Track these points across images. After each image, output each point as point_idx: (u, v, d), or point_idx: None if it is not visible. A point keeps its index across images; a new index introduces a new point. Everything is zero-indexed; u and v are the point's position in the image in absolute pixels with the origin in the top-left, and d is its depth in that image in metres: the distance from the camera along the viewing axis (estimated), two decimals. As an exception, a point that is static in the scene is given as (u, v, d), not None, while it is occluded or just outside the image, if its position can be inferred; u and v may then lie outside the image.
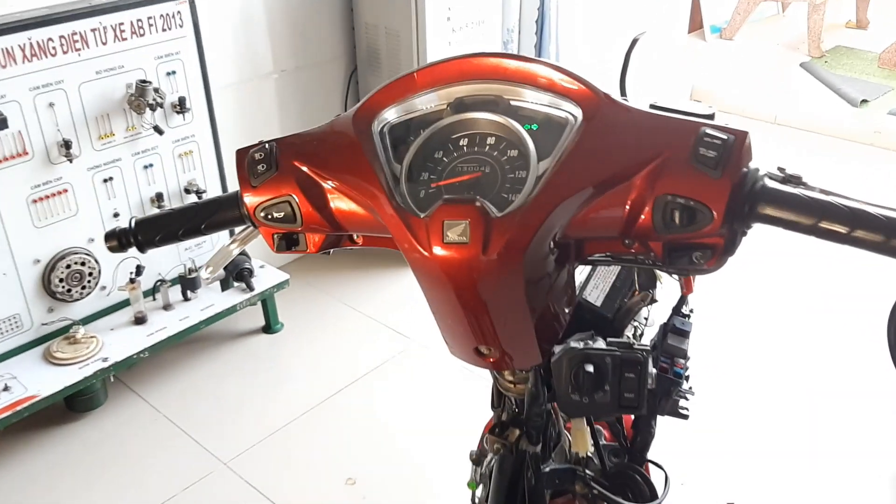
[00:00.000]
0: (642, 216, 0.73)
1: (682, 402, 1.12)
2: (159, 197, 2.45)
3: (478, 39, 3.05)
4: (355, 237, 0.89)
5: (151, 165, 2.43)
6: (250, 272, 2.61)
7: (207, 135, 2.55)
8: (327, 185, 0.82)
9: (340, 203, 0.82)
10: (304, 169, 0.82)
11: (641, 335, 1.13)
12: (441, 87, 0.83)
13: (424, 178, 0.79)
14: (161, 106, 2.34)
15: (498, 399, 1.07)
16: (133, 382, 2.54)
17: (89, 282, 2.36)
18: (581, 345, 0.92)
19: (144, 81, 2.28)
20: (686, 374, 1.11)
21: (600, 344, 0.93)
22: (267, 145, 0.85)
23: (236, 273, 2.58)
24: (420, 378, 2.55)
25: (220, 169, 2.62)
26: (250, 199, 0.84)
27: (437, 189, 0.78)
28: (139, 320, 2.43)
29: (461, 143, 0.81)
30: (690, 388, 1.12)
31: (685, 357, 1.10)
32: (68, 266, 2.30)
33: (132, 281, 2.40)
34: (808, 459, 2.23)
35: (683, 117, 0.75)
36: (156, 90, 2.31)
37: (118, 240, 0.91)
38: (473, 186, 0.78)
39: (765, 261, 2.75)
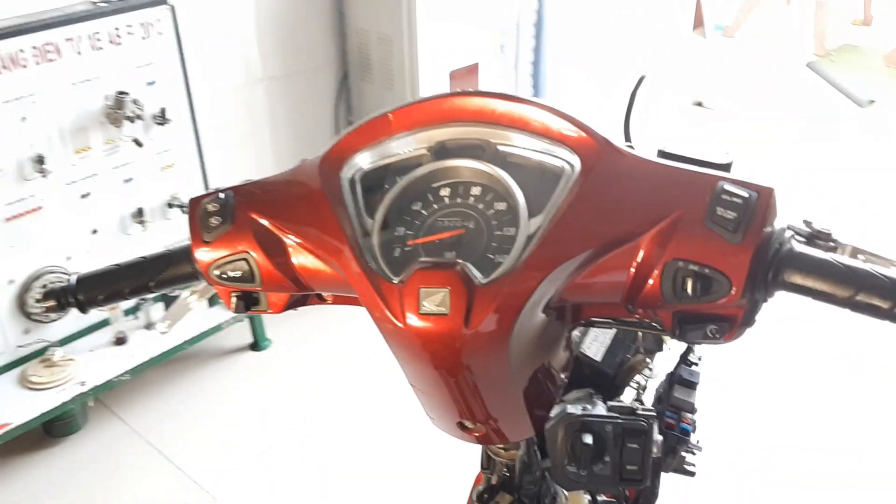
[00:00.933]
0: (649, 282, 0.64)
1: (688, 458, 1.03)
2: (140, 212, 2.35)
3: (472, 45, 2.95)
4: (324, 295, 0.79)
5: (131, 179, 2.33)
6: (236, 288, 2.50)
7: (191, 146, 2.45)
8: (288, 240, 0.72)
9: (303, 260, 0.72)
10: (263, 222, 0.73)
11: (645, 388, 1.04)
12: (420, 129, 0.74)
13: (400, 234, 0.70)
14: (140, 118, 2.24)
15: (487, 461, 0.97)
16: (114, 404, 2.44)
17: (67, 301, 2.25)
18: (579, 410, 0.83)
19: (122, 93, 2.18)
20: (693, 428, 1.02)
21: (600, 409, 0.83)
22: (222, 194, 0.75)
23: (222, 290, 2.48)
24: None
25: (205, 182, 2.51)
26: (203, 256, 0.75)
27: (413, 248, 0.69)
28: (120, 341, 2.34)
29: (442, 193, 0.72)
30: (697, 441, 1.03)
31: (692, 411, 1.01)
32: (45, 286, 2.20)
33: (111, 300, 2.30)
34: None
35: (697, 169, 0.65)
36: (134, 101, 2.21)
37: (57, 300, 0.82)
38: (455, 245, 0.68)
39: (784, 303, 2.63)
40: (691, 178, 0.65)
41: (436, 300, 0.64)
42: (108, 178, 2.27)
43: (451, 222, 0.70)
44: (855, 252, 0.66)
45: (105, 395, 2.41)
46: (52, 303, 0.82)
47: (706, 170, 0.65)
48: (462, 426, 0.75)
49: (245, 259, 0.73)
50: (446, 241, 0.69)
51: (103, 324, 2.37)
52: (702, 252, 0.62)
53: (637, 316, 0.72)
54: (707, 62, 5.10)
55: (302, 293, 0.77)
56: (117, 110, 2.18)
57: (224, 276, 0.74)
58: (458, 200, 0.71)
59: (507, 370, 0.67)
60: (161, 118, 2.31)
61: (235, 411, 2.44)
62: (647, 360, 0.97)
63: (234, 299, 0.78)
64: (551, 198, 0.67)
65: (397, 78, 2.81)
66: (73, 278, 0.82)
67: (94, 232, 2.29)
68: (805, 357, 2.65)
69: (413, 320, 0.64)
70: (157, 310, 2.44)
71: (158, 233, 2.41)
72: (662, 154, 0.73)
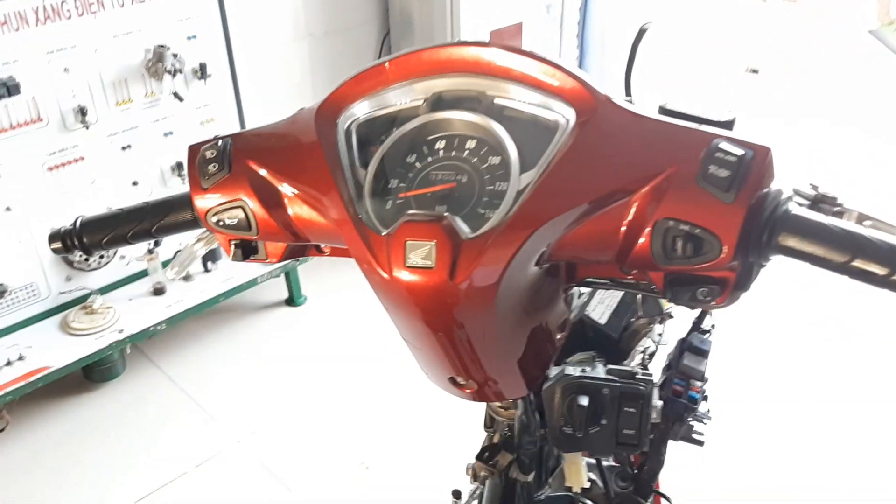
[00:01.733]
0: (640, 241, 0.62)
1: (697, 427, 1.01)
2: (179, 166, 2.38)
3: (516, 3, 2.90)
4: (322, 247, 0.79)
5: (172, 133, 2.36)
6: (272, 244, 2.53)
7: (231, 102, 2.47)
8: (283, 189, 0.72)
9: (298, 210, 0.72)
10: (259, 170, 0.73)
11: (653, 355, 1.02)
12: (417, 79, 0.72)
13: (393, 187, 0.70)
14: (181, 72, 2.26)
15: (490, 420, 0.97)
16: (152, 352, 2.51)
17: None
18: (577, 371, 0.82)
19: (162, 46, 2.20)
20: (703, 397, 1.00)
21: (599, 371, 0.82)
22: (220, 142, 0.76)
23: (258, 245, 2.51)
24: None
25: (244, 137, 2.53)
26: (201, 203, 0.75)
27: (405, 200, 0.68)
28: (158, 291, 2.39)
29: (437, 146, 0.71)
30: (708, 411, 1.01)
31: (702, 379, 0.99)
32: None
33: (150, 252, 2.35)
34: (832, 495, 2.04)
35: (694, 126, 0.63)
36: (174, 55, 2.23)
37: (62, 241, 0.84)
38: (446, 199, 0.68)
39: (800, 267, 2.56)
40: (686, 134, 0.63)
41: (421, 253, 0.63)
42: (148, 130, 2.31)
43: (444, 176, 0.69)
44: (861, 218, 0.63)
45: (143, 343, 2.48)
46: (57, 244, 0.83)
47: (704, 126, 0.63)
48: (454, 382, 0.74)
49: (241, 207, 0.73)
50: (437, 195, 0.68)
51: (142, 274, 2.42)
52: (693, 211, 0.60)
53: (631, 277, 0.71)
54: (765, 27, 4.93)
55: (298, 243, 0.77)
56: (158, 63, 2.20)
57: (221, 223, 0.74)
58: (453, 154, 0.70)
59: (495, 326, 0.67)
60: (201, 73, 2.32)
61: (270, 364, 2.48)
62: (652, 324, 0.95)
63: (232, 247, 0.78)
64: (544, 152, 0.66)
65: (439, 36, 2.78)
66: (78, 221, 0.83)
67: (135, 184, 2.33)
68: (823, 325, 2.59)
69: (399, 273, 0.63)
70: (194, 262, 2.47)
71: (197, 187, 2.44)
72: (663, 111, 0.71)
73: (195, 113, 2.39)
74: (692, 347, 0.99)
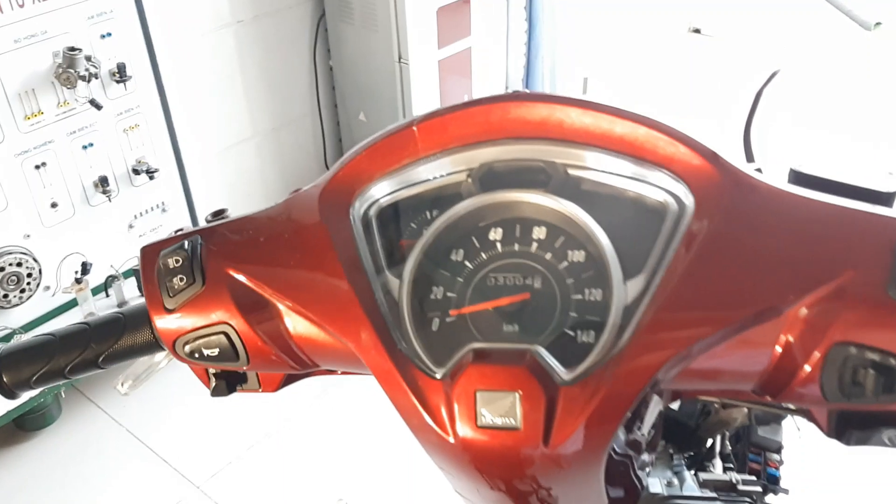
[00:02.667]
0: (803, 373, 0.45)
1: (771, 499, 0.86)
2: (104, 181, 2.12)
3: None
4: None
5: (92, 145, 2.09)
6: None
7: (155, 104, 2.21)
8: (282, 305, 0.52)
9: (304, 331, 0.53)
10: (245, 280, 0.53)
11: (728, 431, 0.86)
12: (457, 148, 0.53)
13: (437, 298, 0.51)
14: (96, 76, 1.99)
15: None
16: (91, 392, 2.26)
17: (29, 284, 2.04)
18: (664, 487, 0.65)
19: (73, 49, 1.92)
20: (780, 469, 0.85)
21: (689, 484, 0.66)
22: (186, 243, 0.55)
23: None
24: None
25: (174, 142, 2.28)
26: (166, 328, 0.55)
27: (458, 320, 0.50)
28: (91, 324, 2.13)
29: (492, 236, 0.52)
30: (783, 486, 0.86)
31: (778, 450, 0.83)
32: (2, 268, 1.98)
33: (78, 281, 2.10)
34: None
35: (870, 209, 0.46)
36: (88, 58, 1.96)
37: None
38: (518, 316, 0.49)
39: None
40: (864, 221, 0.45)
41: (501, 408, 0.45)
42: (64, 145, 2.03)
43: (508, 280, 0.50)
44: None
45: (80, 382, 2.22)
46: None
47: (883, 210, 0.46)
48: None
49: (224, 333, 0.53)
50: (505, 310, 0.49)
51: (72, 304, 2.16)
52: (884, 334, 0.43)
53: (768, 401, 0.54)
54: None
55: (305, 371, 0.58)
56: (69, 69, 1.92)
57: (197, 354, 0.54)
58: (516, 248, 0.51)
59: (596, 487, 0.49)
60: (120, 75, 2.06)
61: (227, 399, 2.25)
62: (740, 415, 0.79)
63: (212, 380, 0.58)
64: (654, 248, 0.48)
65: (381, 17, 2.55)
66: None
67: (54, 206, 2.06)
68: None
69: (468, 433, 0.45)
70: (129, 286, 2.23)
71: (126, 203, 2.19)
72: (798, 177, 0.53)
73: (117, 120, 2.12)
74: (765, 414, 0.84)
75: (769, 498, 0.83)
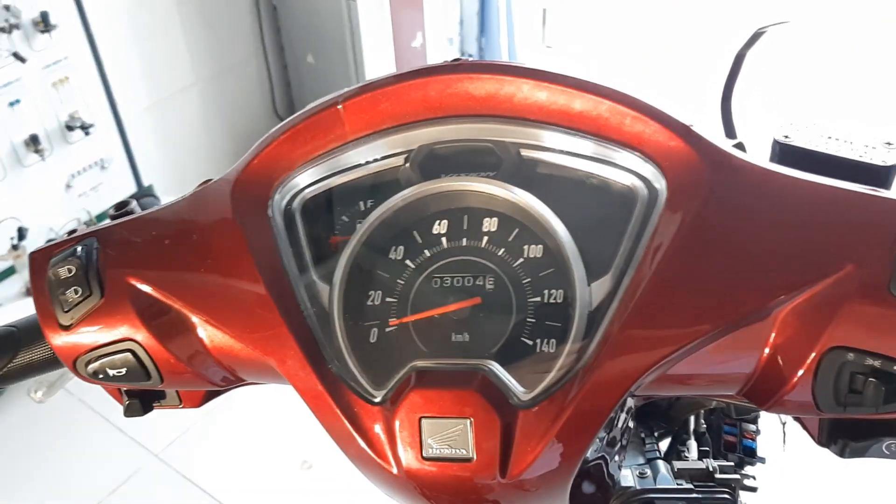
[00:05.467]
0: (794, 379, 0.39)
1: (749, 470, 0.82)
2: (35, 140, 1.99)
3: None
4: None
5: (19, 101, 1.96)
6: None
7: (85, 54, 2.07)
8: (195, 317, 0.45)
9: (222, 344, 0.46)
10: (149, 290, 0.45)
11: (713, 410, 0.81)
12: (392, 128, 0.46)
13: (374, 305, 0.44)
14: (17, 27, 1.85)
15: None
16: (38, 359, 2.16)
17: (-39, 252, 1.93)
18: (636, 479, 0.60)
19: (-13, -2, 1.78)
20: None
21: (663, 475, 0.61)
22: (79, 249, 0.47)
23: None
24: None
25: (108, 94, 2.15)
26: (63, 345, 0.48)
27: (399, 331, 0.43)
28: (30, 292, 2.03)
29: (435, 230, 0.45)
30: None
31: (755, 420, 0.79)
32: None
33: (15, 247, 1.98)
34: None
35: (868, 190, 0.39)
36: (6, 7, 1.82)
37: None
38: (468, 323, 0.43)
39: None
40: (863, 208, 0.39)
41: (450, 437, 0.39)
42: (-13, 103, 1.90)
43: (455, 282, 0.44)
44: None
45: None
46: None
47: (883, 193, 0.39)
48: None
49: (130, 350, 0.46)
50: (453, 318, 0.43)
51: (9, 272, 2.05)
52: (885, 338, 0.37)
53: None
54: None
55: (227, 388, 0.50)
56: (-15, 20, 1.78)
57: (101, 374, 0.47)
58: (464, 243, 0.44)
59: (561, 499, 0.44)
60: (44, 25, 1.92)
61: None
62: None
63: (125, 398, 0.51)
64: (622, 242, 0.41)
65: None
66: None
67: (-18, 168, 1.94)
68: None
69: (413, 464, 0.39)
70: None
71: (62, 161, 2.06)
72: (784, 150, 0.47)
73: (44, 74, 1.98)
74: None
75: (747, 469, 0.79)
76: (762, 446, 0.81)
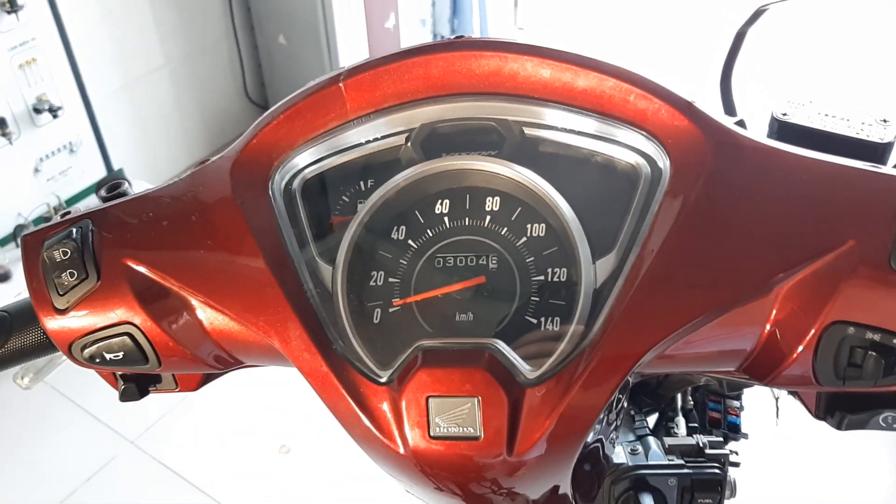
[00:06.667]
0: (794, 354, 0.40)
1: (731, 445, 0.83)
2: (2, 123, 1.95)
3: None
4: None
5: (-16, 83, 1.91)
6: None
7: (53, 35, 2.03)
8: (195, 299, 0.45)
9: (222, 326, 0.46)
10: (147, 272, 0.45)
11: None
12: (393, 107, 0.45)
13: (377, 285, 0.44)
14: (-19, 7, 1.80)
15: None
16: (8, 346, 2.13)
17: (-72, 238, 1.89)
18: (628, 456, 0.61)
19: (-50, -24, 1.73)
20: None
21: (655, 451, 0.62)
22: (74, 230, 0.46)
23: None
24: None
25: (77, 76, 2.10)
26: (58, 329, 0.47)
27: (403, 311, 0.43)
28: (2, 277, 2.00)
29: (438, 209, 0.45)
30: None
31: (739, 396, 0.80)
32: None
33: (-16, 231, 1.95)
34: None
35: (868, 167, 0.40)
36: (-30, -13, 1.77)
37: None
38: (472, 303, 0.43)
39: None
40: (863, 184, 0.40)
41: (457, 416, 0.40)
42: (-48, 85, 1.86)
43: (459, 261, 0.44)
44: None
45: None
46: None
47: (883, 169, 0.40)
48: None
49: (128, 333, 0.45)
50: (457, 297, 0.43)
51: (-22, 258, 2.02)
52: (886, 312, 0.38)
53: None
54: None
55: (226, 370, 0.50)
56: (-53, 0, 1.73)
57: (99, 359, 0.46)
58: (467, 222, 0.44)
59: (565, 479, 0.44)
60: (10, 4, 1.88)
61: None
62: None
63: (120, 383, 0.50)
64: (626, 220, 0.42)
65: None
66: None
67: (-53, 152, 1.90)
68: None
69: (421, 444, 0.39)
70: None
71: (29, 145, 2.02)
72: (782, 127, 0.47)
73: (11, 55, 1.94)
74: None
75: (731, 446, 0.80)
76: (745, 422, 0.82)
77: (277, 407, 1.90)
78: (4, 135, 1.96)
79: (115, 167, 2.29)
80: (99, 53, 2.29)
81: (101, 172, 2.26)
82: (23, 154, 2.02)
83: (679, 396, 0.74)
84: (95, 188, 2.19)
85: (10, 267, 2.02)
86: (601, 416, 0.49)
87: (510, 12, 3.39)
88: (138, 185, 2.02)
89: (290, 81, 2.78)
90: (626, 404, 0.62)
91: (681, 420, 0.72)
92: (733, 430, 0.77)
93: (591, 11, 3.55)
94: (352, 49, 2.62)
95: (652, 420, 0.78)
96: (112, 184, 0.52)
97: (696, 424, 0.73)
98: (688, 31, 3.16)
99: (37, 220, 2.08)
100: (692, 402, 0.74)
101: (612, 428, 0.55)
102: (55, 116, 2.04)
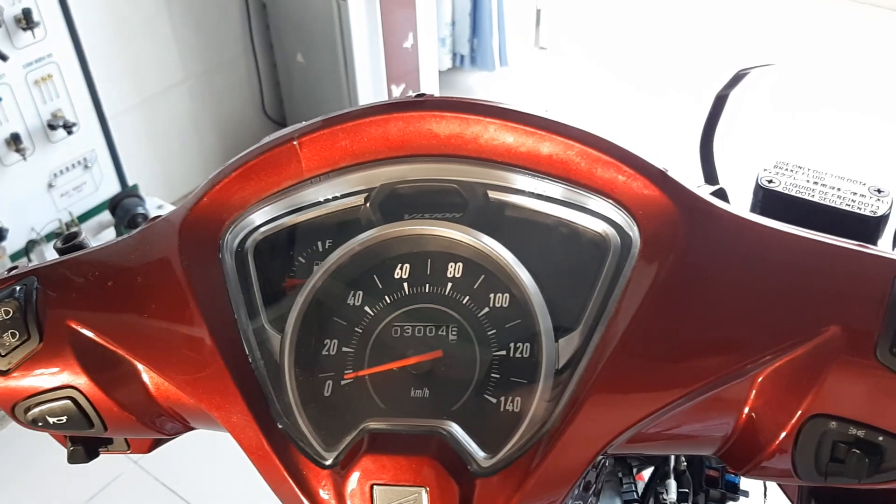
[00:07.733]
0: (772, 446, 0.37)
1: (730, 504, 0.79)
2: (16, 139, 1.95)
3: None
4: None
5: (0, 99, 1.92)
6: (146, 219, 2.16)
7: (69, 51, 2.03)
8: (140, 365, 0.42)
9: (170, 394, 0.43)
10: (91, 335, 0.43)
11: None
12: (351, 166, 0.43)
13: (329, 355, 0.41)
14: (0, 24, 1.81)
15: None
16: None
17: (-60, 253, 1.90)
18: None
19: (-33, -6, 1.74)
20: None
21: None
22: (18, 288, 0.45)
23: (128, 220, 2.14)
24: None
25: (93, 92, 2.11)
26: (0, 389, 0.44)
27: (355, 384, 0.40)
28: (12, 292, 2.00)
29: (397, 274, 0.42)
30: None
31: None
32: None
33: (-6, 246, 1.95)
34: None
35: (854, 246, 0.37)
36: (-14, 4, 1.78)
37: None
38: (428, 378, 0.40)
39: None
40: (850, 265, 0.37)
41: None
42: (-33, 101, 1.86)
43: (417, 331, 0.41)
44: None
45: None
46: None
47: (872, 249, 0.37)
48: None
49: (70, 398, 0.43)
50: (413, 371, 0.40)
51: (-10, 273, 2.02)
52: (870, 406, 0.35)
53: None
54: None
55: (175, 434, 0.48)
56: (-36, 17, 1.74)
57: (41, 422, 0.44)
58: (427, 289, 0.42)
59: None
60: (26, 21, 1.88)
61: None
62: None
63: (69, 444, 0.48)
64: (593, 295, 0.39)
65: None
66: None
67: (-39, 167, 1.90)
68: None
69: None
70: (52, 251, 2.08)
71: (43, 161, 2.03)
72: (766, 195, 0.44)
73: (27, 72, 1.95)
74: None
75: (729, 504, 0.76)
76: (745, 480, 0.79)
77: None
78: (18, 150, 1.96)
79: (130, 183, 2.29)
80: (116, 69, 2.30)
81: (116, 188, 2.26)
82: (36, 169, 2.03)
83: (672, 456, 0.71)
84: (108, 204, 2.20)
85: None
86: (574, 490, 0.45)
87: (531, 31, 3.36)
88: (153, 201, 2.01)
89: (309, 99, 2.78)
90: (609, 466, 0.59)
91: (672, 484, 0.68)
92: (731, 490, 0.74)
93: (615, 29, 3.51)
94: (370, 68, 2.61)
95: (647, 473, 0.74)
96: (68, 234, 0.50)
97: (686, 490, 0.69)
98: (713, 46, 3.11)
99: (49, 236, 2.09)
100: (685, 462, 0.71)
101: (589, 493, 0.52)
102: (70, 132, 2.05)
